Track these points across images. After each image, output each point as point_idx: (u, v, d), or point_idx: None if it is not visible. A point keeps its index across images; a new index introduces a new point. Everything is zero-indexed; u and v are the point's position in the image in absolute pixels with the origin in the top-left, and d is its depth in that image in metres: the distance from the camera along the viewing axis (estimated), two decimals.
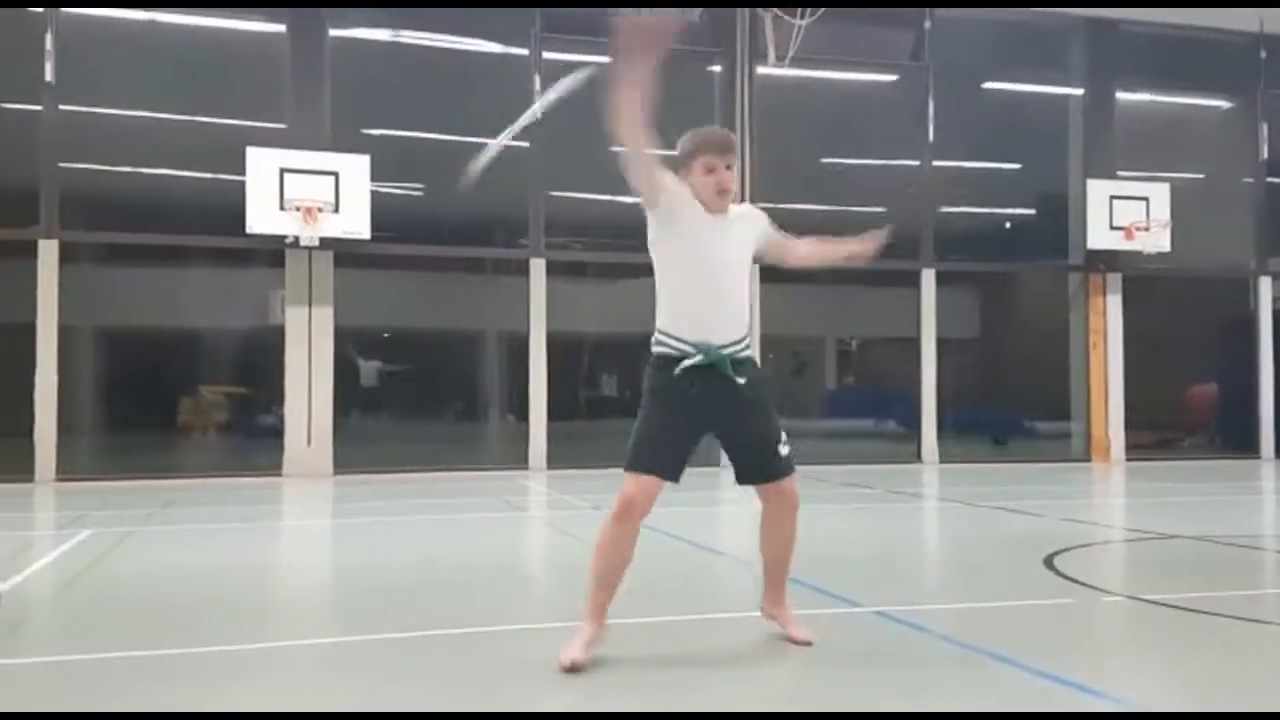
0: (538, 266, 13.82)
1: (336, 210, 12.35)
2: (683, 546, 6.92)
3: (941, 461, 14.70)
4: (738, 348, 3.87)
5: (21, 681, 3.74)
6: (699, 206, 3.87)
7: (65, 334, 12.13)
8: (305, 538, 8.36)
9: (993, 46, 15.73)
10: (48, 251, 12.04)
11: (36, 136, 12.23)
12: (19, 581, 5.62)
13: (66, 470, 11.90)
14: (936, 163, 15.47)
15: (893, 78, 16.02)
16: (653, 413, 3.85)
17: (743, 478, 4.05)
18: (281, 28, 13.23)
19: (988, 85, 16.25)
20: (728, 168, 3.87)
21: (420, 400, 16.12)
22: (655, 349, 3.91)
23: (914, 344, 15.14)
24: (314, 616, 5.02)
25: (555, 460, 13.53)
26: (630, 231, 17.12)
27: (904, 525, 8.70)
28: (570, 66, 15.36)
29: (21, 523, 8.86)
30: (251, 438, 13.65)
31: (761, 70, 14.47)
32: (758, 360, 4.15)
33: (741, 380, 3.83)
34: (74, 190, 12.44)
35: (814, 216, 16.10)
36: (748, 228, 4.03)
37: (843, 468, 13.44)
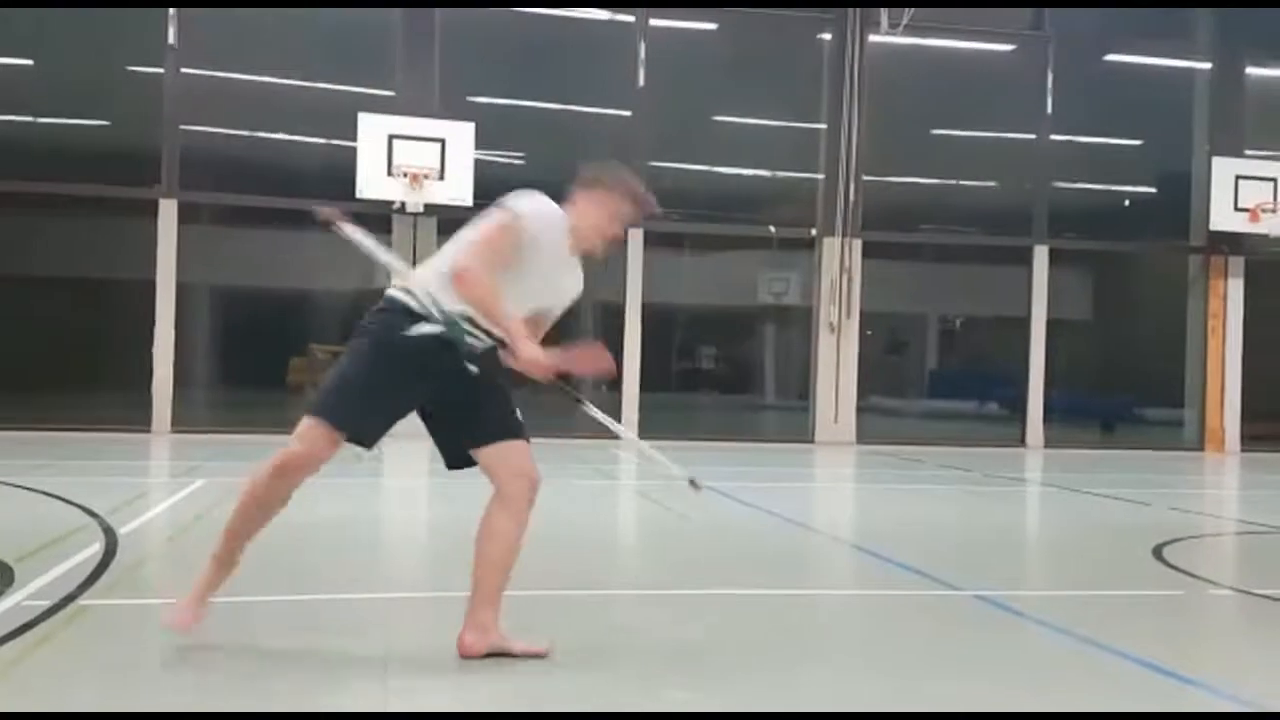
0: (635, 237, 13.79)
1: (442, 177, 12.52)
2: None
3: (1047, 446, 14.27)
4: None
5: (135, 620, 3.93)
6: (565, 245, 3.49)
7: (183, 291, 12.62)
8: (408, 495, 8.57)
9: (1116, 17, 15.03)
10: (167, 211, 12.52)
11: (159, 98, 12.69)
12: (137, 526, 5.90)
13: (181, 422, 12.42)
14: (1053, 136, 14.93)
15: (1010, 47, 15.47)
16: (367, 369, 3.52)
17: (471, 442, 3.50)
18: None
19: (1110, 57, 15.56)
20: (631, 226, 3.74)
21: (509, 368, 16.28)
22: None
23: (1022, 324, 14.69)
24: (419, 571, 5.14)
25: (647, 431, 13.54)
26: (728, 203, 16.98)
27: (1004, 509, 8.50)
28: (677, 33, 15.05)
29: (139, 470, 9.31)
30: None
31: (873, 38, 14.12)
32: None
33: (474, 369, 3.39)
34: (193, 152, 12.88)
35: (922, 190, 15.73)
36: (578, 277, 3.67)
37: (942, 449, 13.18)
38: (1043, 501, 9.14)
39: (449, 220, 13.10)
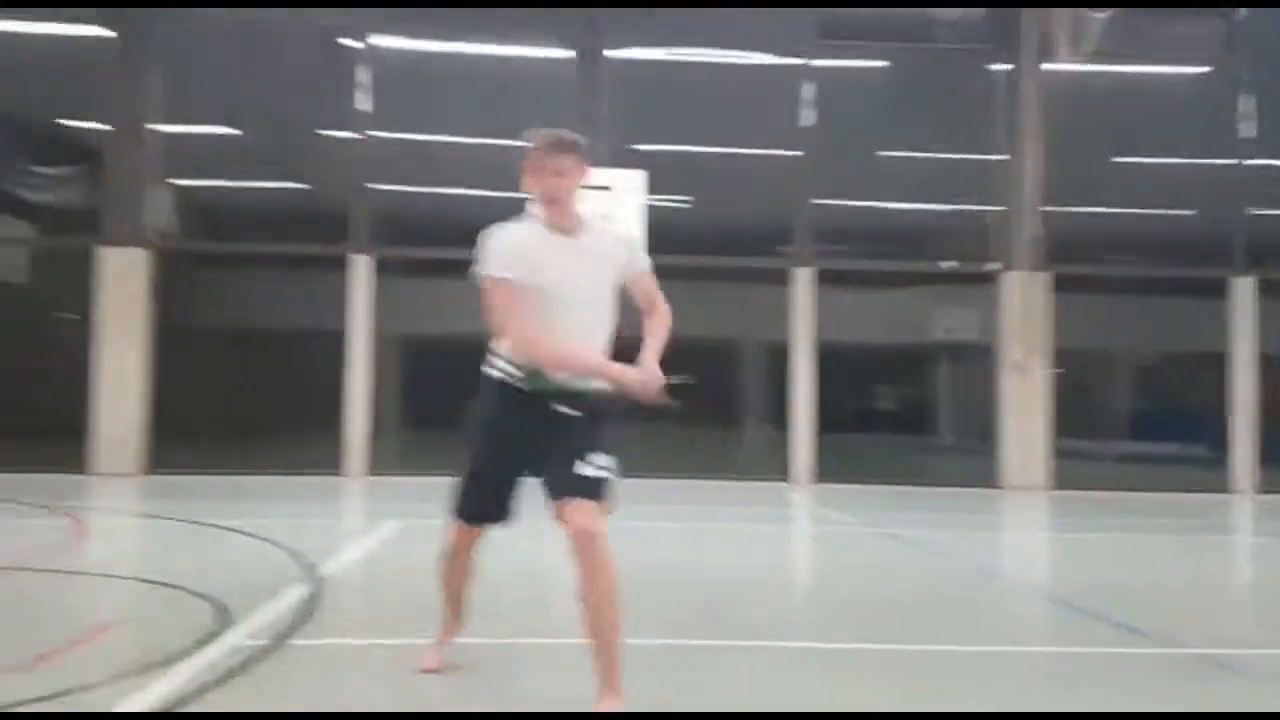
0: (803, 275, 13.67)
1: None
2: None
3: (1261, 492, 13.19)
4: (580, 381, 3.40)
5: (345, 658, 4.10)
6: (538, 233, 3.44)
7: (374, 340, 13.30)
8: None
9: None
10: (358, 265, 13.26)
11: (349, 161, 13.51)
12: (339, 567, 6.19)
13: (375, 466, 13.03)
14: (1252, 161, 13.97)
15: (1200, 70, 14.61)
16: (473, 449, 3.75)
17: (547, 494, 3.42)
18: (571, 52, 13.89)
19: None
20: (558, 173, 3.39)
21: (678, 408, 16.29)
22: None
23: (1222, 360, 13.70)
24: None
25: (818, 473, 13.32)
26: (899, 239, 16.65)
27: (1217, 559, 7.88)
28: (844, 71, 14.97)
29: (337, 513, 9.81)
30: None
31: (1050, 66, 13.62)
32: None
33: (565, 409, 3.38)
34: (381, 209, 13.63)
35: (1107, 220, 14.97)
36: (612, 254, 3.52)
37: (1143, 495, 12.38)
38: (1259, 552, 8.42)
39: None
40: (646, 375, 3.33)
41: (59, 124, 15.56)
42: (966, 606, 5.58)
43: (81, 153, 14.69)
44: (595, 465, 3.32)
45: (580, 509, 3.26)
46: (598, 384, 3.39)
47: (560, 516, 3.31)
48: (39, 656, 3.86)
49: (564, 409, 3.39)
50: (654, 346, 3.50)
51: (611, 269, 3.50)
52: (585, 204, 3.52)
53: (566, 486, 3.30)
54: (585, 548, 3.23)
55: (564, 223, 3.44)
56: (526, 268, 3.37)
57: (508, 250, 3.41)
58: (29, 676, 3.63)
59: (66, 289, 14.16)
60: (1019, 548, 8.94)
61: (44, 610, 4.95)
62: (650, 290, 3.63)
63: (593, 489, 3.30)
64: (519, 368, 3.44)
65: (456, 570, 3.82)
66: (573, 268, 3.41)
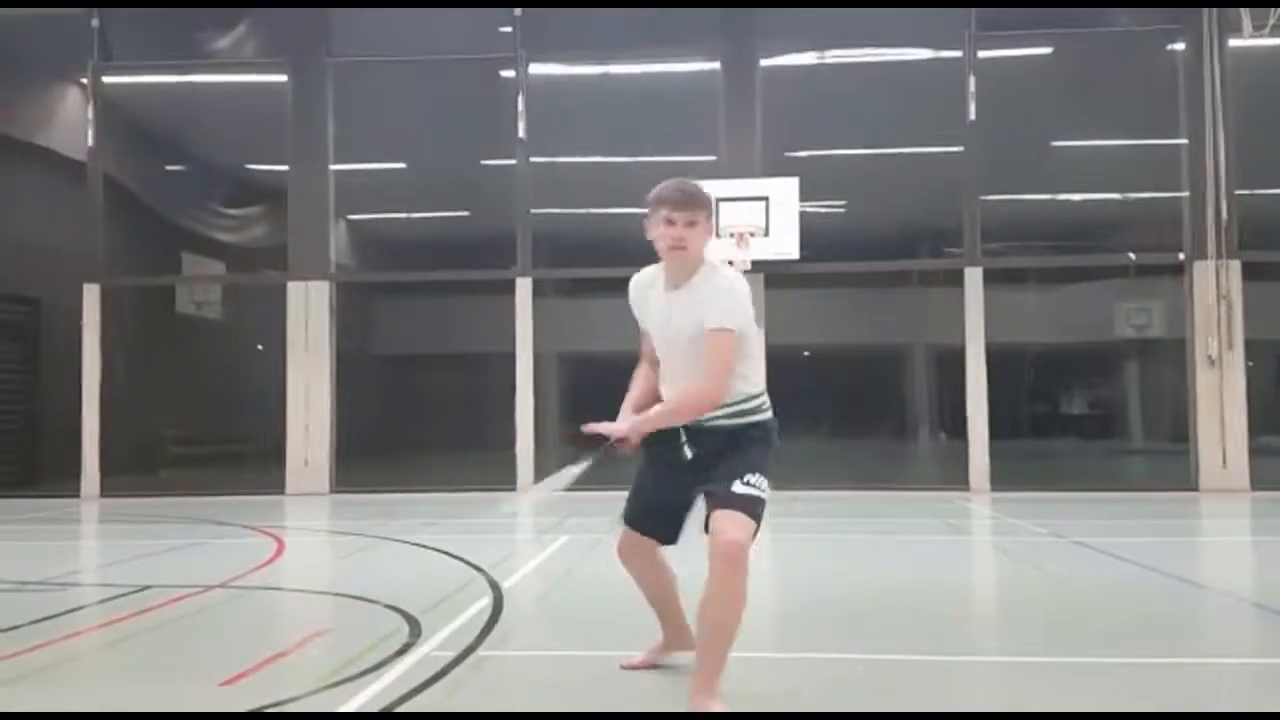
0: (972, 275, 13.16)
1: (766, 233, 12.69)
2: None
3: None
4: (701, 418, 3.52)
5: (530, 669, 4.17)
6: (657, 285, 3.63)
7: (537, 360, 13.61)
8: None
9: None
10: (523, 288, 13.61)
11: (512, 187, 13.90)
12: (517, 580, 6.33)
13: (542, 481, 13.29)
14: None
15: None
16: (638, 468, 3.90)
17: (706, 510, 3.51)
18: (716, 65, 13.90)
19: None
20: (686, 224, 3.45)
21: (844, 417, 16.04)
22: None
23: None
24: (790, 630, 5.08)
25: (998, 482, 12.75)
26: (1076, 232, 15.89)
27: None
28: (1006, 62, 14.42)
29: (510, 527, 10.03)
30: None
31: (1234, 43, 12.70)
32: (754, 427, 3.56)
33: (689, 453, 3.53)
34: (542, 232, 13.96)
35: None
36: (701, 307, 3.45)
37: None
38: None
39: (775, 275, 13.22)
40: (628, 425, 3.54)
41: (245, 168, 16.70)
42: (1180, 618, 5.20)
43: (266, 194, 15.71)
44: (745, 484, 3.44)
45: (729, 523, 3.37)
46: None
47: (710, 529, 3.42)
48: (247, 669, 4.08)
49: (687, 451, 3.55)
50: (661, 411, 3.55)
51: (694, 316, 3.48)
52: (711, 251, 3.60)
53: (724, 500, 3.42)
54: (719, 559, 3.35)
55: (674, 274, 3.56)
56: (638, 311, 3.74)
57: (631, 293, 3.76)
58: (236, 688, 3.84)
59: (258, 321, 15.15)
60: (1227, 555, 8.29)
61: (249, 625, 5.24)
62: (706, 352, 3.43)
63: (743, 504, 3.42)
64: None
65: (636, 576, 3.98)
66: (666, 317, 3.57)
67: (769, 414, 3.61)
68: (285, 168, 14.34)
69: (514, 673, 4.13)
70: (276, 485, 13.36)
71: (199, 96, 15.26)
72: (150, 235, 15.59)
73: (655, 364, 3.72)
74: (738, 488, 3.38)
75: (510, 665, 4.24)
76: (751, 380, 3.56)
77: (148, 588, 6.02)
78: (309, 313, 13.68)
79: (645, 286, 3.69)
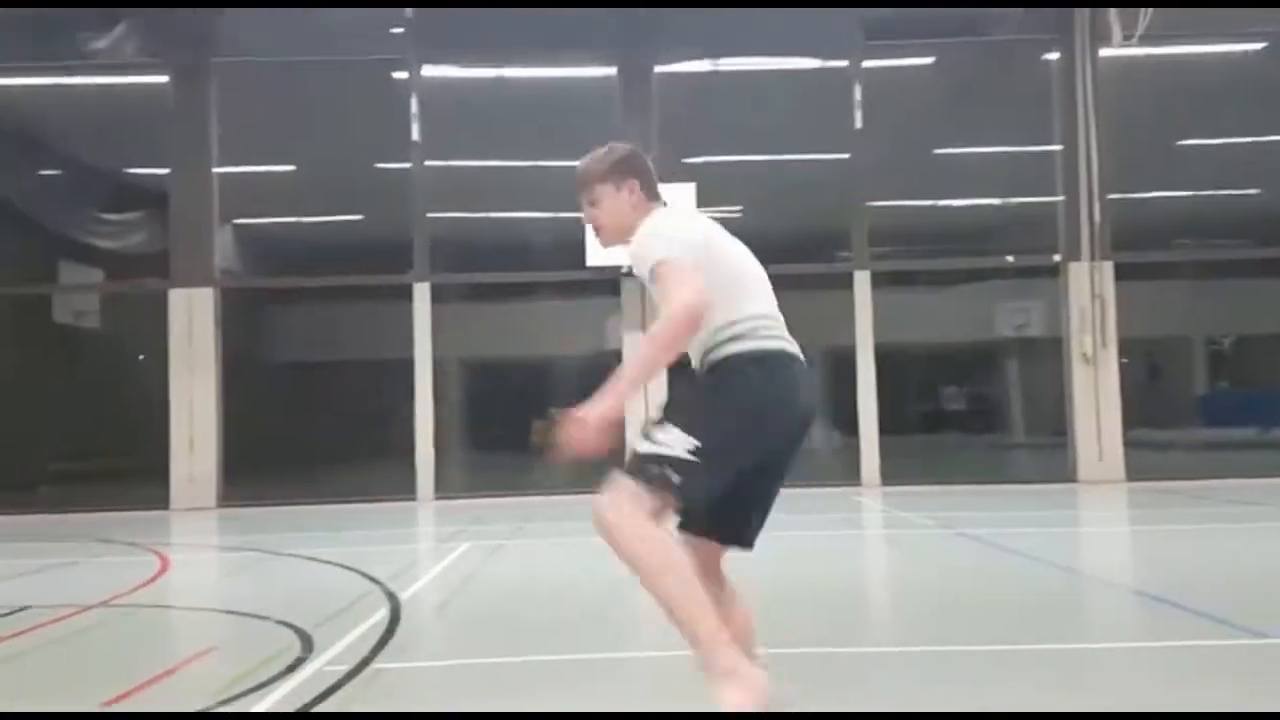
0: (861, 278, 13.53)
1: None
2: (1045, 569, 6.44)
3: None
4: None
5: (427, 681, 4.13)
6: None
7: (436, 366, 13.45)
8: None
9: None
10: (421, 293, 13.43)
11: (407, 191, 13.71)
12: (415, 591, 6.25)
13: (443, 489, 13.16)
14: None
15: (1259, 46, 14.22)
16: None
17: None
18: (612, 70, 13.97)
19: None
20: (589, 203, 3.26)
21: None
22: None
23: None
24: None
25: (888, 476, 13.13)
26: (958, 236, 16.43)
27: None
28: (891, 71, 14.80)
29: (409, 537, 9.91)
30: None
31: (1104, 52, 13.36)
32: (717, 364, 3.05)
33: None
34: (440, 236, 13.80)
35: (1173, 205, 14.62)
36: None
37: (1225, 483, 12.01)
38: None
39: None
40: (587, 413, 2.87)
41: (124, 172, 16.07)
42: (1051, 604, 5.45)
43: (147, 198, 15.14)
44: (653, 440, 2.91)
45: (604, 494, 2.89)
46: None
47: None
48: (130, 689, 3.94)
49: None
50: (617, 378, 2.90)
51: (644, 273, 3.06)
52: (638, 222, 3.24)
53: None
54: (600, 526, 2.88)
55: (600, 240, 3.35)
56: None
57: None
58: (120, 708, 3.71)
59: (141, 331, 14.59)
60: (1107, 543, 8.71)
61: (133, 643, 5.07)
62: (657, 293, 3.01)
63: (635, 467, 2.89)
64: None
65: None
66: None
67: (746, 344, 3.02)
68: (166, 171, 13.87)
69: (409, 685, 4.09)
70: (161, 501, 12.90)
71: (75, 98, 14.64)
72: (24, 242, 14.87)
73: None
74: (642, 446, 2.90)
75: (406, 677, 4.19)
76: (721, 308, 2.99)
77: (26, 608, 5.76)
78: (192, 321, 13.25)
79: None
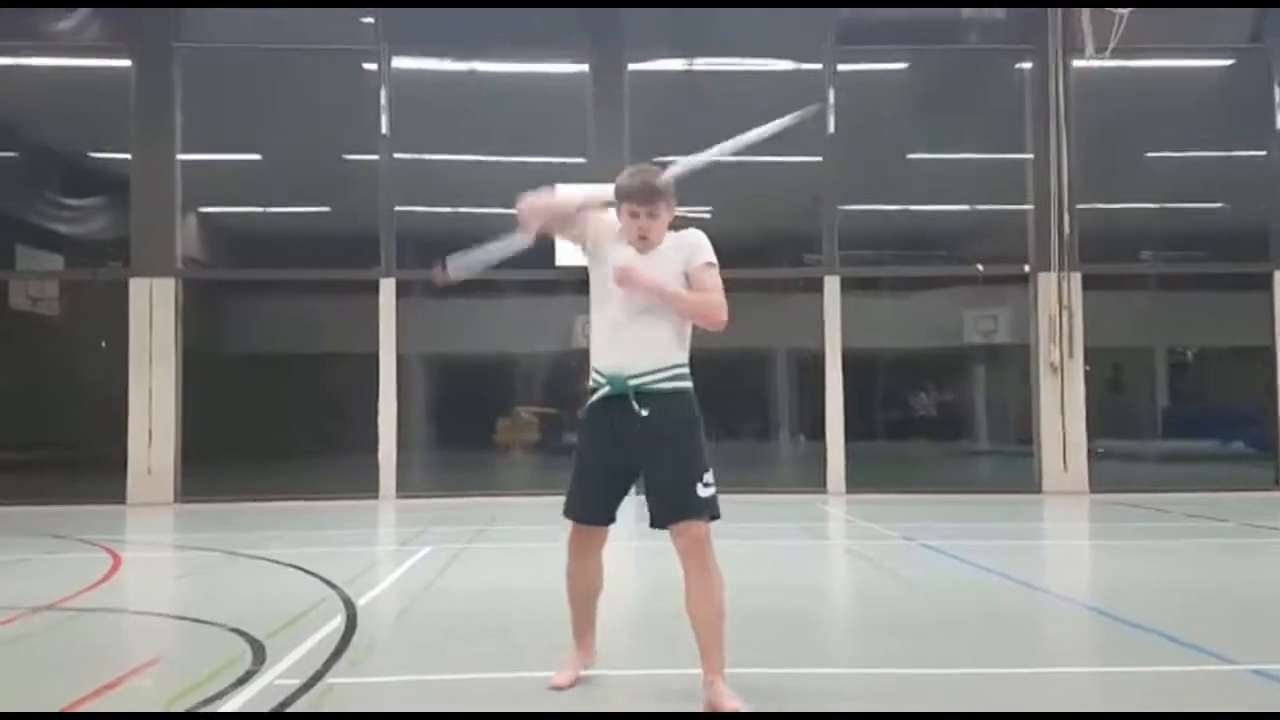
0: (831, 283, 13.51)
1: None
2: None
3: None
4: (648, 379, 3.70)
5: (378, 698, 4.02)
6: (625, 243, 3.83)
7: (401, 362, 13.28)
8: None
9: None
10: (387, 289, 13.25)
11: (375, 184, 13.51)
12: (373, 597, 6.12)
13: (405, 488, 12.99)
14: None
15: (1228, 62, 14.38)
16: (577, 451, 3.88)
17: (652, 520, 3.73)
18: (584, 67, 13.84)
19: None
20: (649, 215, 3.77)
21: (708, 420, 16.14)
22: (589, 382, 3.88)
23: (1267, 354, 13.41)
24: (640, 643, 5.05)
25: (854, 483, 13.12)
26: (927, 242, 16.47)
27: (1273, 566, 7.64)
28: (864, 75, 14.80)
29: (369, 538, 9.75)
30: (561, 455, 14.34)
31: (1077, 64, 13.43)
32: (689, 395, 3.80)
33: (644, 411, 3.66)
34: (407, 231, 13.61)
35: (1141, 216, 14.72)
36: (674, 259, 3.79)
37: (1185, 495, 12.12)
38: None
39: None
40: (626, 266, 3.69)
41: (85, 156, 15.72)
42: (1007, 624, 5.41)
43: (108, 184, 14.81)
44: (705, 484, 3.68)
45: (698, 528, 3.65)
46: (668, 384, 3.72)
47: (673, 531, 3.67)
48: (72, 703, 3.80)
49: (641, 410, 3.67)
50: (672, 290, 3.71)
51: (677, 274, 3.76)
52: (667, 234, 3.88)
53: (681, 508, 3.64)
54: (696, 556, 3.67)
55: (642, 247, 3.83)
56: (595, 245, 3.89)
57: (601, 227, 3.92)
58: None
59: (100, 319, 14.27)
60: (1068, 558, 8.73)
61: (76, 652, 4.90)
62: (703, 283, 3.76)
63: (698, 508, 3.66)
64: (596, 370, 3.81)
65: (581, 579, 4.00)
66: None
67: (690, 381, 3.81)
68: (128, 156, 13.58)
69: (362, 701, 3.97)
70: (117, 495, 12.63)
71: (35, 80, 14.29)
72: None
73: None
74: (701, 491, 3.65)
75: (360, 693, 4.07)
76: (687, 347, 3.83)
77: None
78: (153, 311, 12.98)
79: (614, 236, 3.86)
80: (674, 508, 3.64)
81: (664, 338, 3.74)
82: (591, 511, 3.85)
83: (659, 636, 4.92)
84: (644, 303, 3.69)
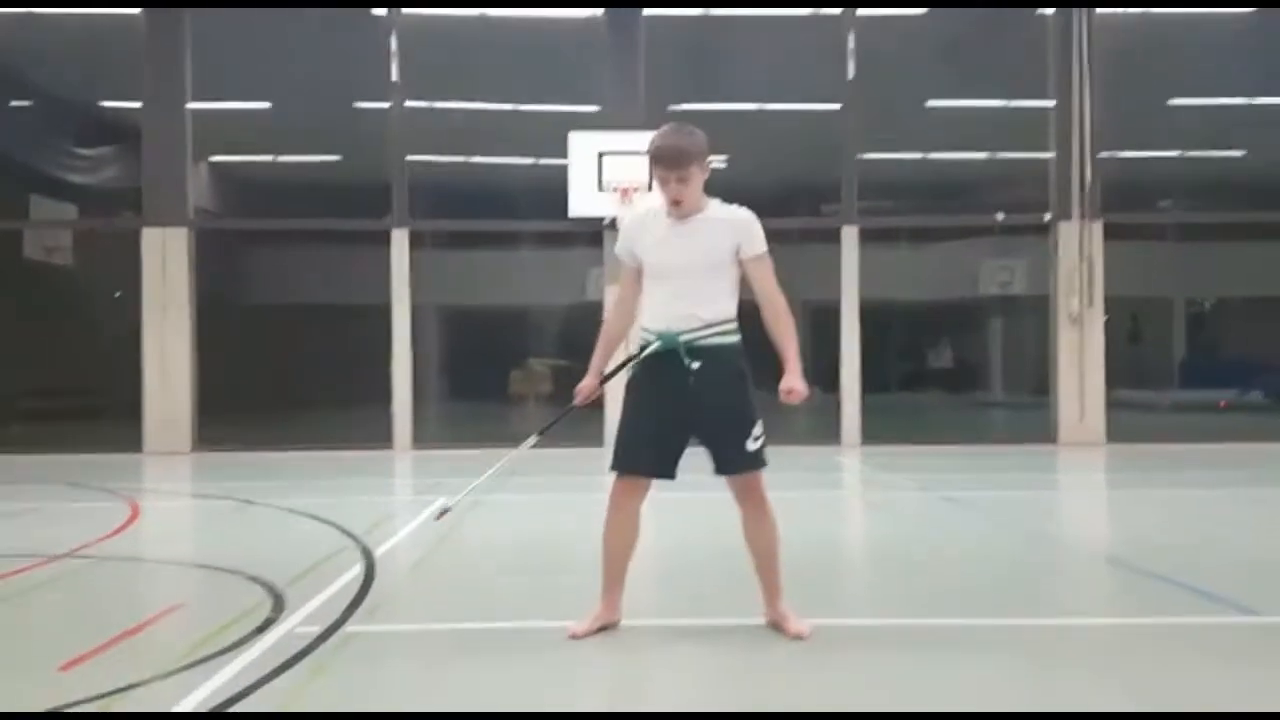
0: (849, 233, 13.35)
1: (650, 189, 12.54)
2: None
3: None
4: (699, 334, 3.82)
5: (398, 646, 4.03)
6: (659, 219, 3.91)
7: (415, 313, 13.24)
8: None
9: None
10: (399, 239, 13.17)
11: (385, 133, 13.38)
12: (390, 547, 6.14)
13: (420, 438, 13.02)
14: None
15: (1251, 10, 14.03)
16: (625, 408, 3.96)
17: (717, 468, 3.96)
18: (599, 12, 13.60)
19: None
20: (679, 180, 3.78)
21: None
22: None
23: None
24: (662, 593, 5.05)
25: (868, 435, 13.07)
26: (946, 191, 16.26)
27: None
28: (886, 20, 14.38)
29: (386, 488, 9.79)
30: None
31: (1101, 10, 13.11)
32: (736, 350, 3.92)
33: (695, 365, 3.78)
34: (419, 181, 13.51)
35: (1163, 165, 14.49)
36: (724, 234, 3.87)
37: (1204, 447, 12.04)
38: None
39: None
40: (796, 384, 3.89)
41: (97, 105, 15.61)
42: (1028, 575, 5.40)
43: (120, 133, 14.73)
44: (754, 438, 3.89)
45: (756, 479, 3.96)
46: (709, 340, 3.82)
47: (734, 483, 3.95)
48: (91, 650, 3.82)
49: (692, 363, 3.79)
50: (787, 354, 3.92)
51: (711, 250, 3.83)
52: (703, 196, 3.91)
53: (740, 462, 3.88)
54: (757, 506, 4.00)
55: (679, 212, 3.86)
56: (632, 244, 3.96)
57: (628, 229, 4.03)
58: (77, 673, 3.59)
59: (114, 268, 14.28)
60: (1086, 509, 8.70)
61: (96, 600, 4.94)
62: (758, 278, 3.92)
63: (757, 461, 3.93)
64: (646, 329, 3.91)
65: (620, 532, 4.04)
66: (681, 244, 3.84)
67: (739, 335, 3.94)
68: (139, 105, 13.47)
69: (382, 650, 3.98)
70: (134, 443, 12.71)
71: (47, 28, 14.14)
72: None
73: (635, 296, 3.99)
74: (750, 446, 3.86)
75: (378, 642, 4.09)
76: (736, 298, 3.93)
77: None
78: (166, 260, 12.95)
79: (645, 219, 3.96)
80: (728, 462, 3.89)
81: (716, 296, 3.84)
82: (639, 463, 3.93)
83: (677, 588, 4.91)
84: (702, 277, 3.81)
